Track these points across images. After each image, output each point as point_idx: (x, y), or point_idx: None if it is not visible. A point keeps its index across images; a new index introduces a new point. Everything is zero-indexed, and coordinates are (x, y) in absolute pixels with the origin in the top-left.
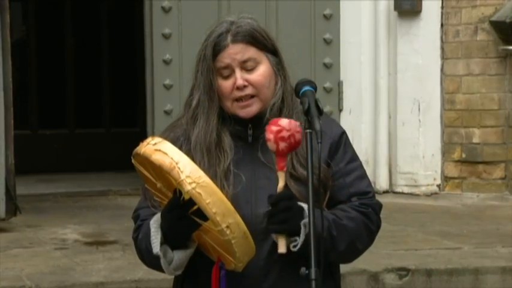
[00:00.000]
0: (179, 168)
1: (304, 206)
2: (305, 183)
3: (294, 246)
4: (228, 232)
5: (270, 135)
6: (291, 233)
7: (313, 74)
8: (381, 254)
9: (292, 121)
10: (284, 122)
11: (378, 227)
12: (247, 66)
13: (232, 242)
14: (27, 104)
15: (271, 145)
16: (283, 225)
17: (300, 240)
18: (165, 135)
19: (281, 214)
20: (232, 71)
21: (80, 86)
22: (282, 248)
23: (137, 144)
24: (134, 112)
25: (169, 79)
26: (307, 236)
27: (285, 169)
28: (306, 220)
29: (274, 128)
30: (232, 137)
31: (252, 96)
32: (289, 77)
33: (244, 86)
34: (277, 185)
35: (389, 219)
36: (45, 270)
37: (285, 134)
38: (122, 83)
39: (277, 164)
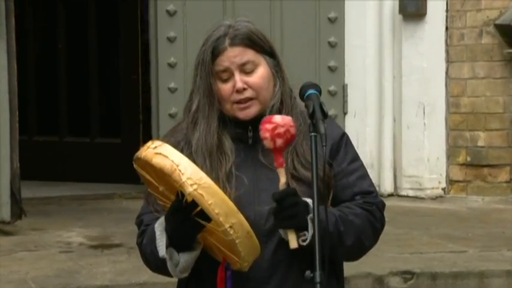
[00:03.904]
0: (180, 170)
1: (309, 201)
2: (307, 184)
3: (303, 241)
4: (231, 232)
5: (265, 134)
6: (299, 228)
7: (317, 77)
8: (386, 257)
9: (285, 116)
10: (277, 118)
11: (383, 225)
12: (246, 69)
13: (237, 242)
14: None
15: (267, 143)
16: (292, 221)
17: (308, 234)
18: (166, 140)
19: (289, 210)
20: (231, 74)
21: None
22: (293, 243)
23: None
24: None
25: (174, 82)
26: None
27: (284, 165)
28: (311, 215)
29: (269, 126)
30: (233, 139)
31: (251, 99)
32: (287, 78)
33: (244, 89)
34: (278, 186)
35: (394, 223)
36: (50, 273)
37: (280, 130)
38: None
39: (276, 161)
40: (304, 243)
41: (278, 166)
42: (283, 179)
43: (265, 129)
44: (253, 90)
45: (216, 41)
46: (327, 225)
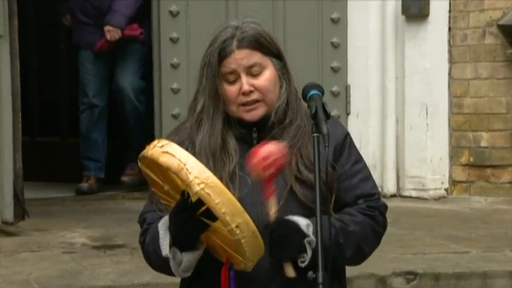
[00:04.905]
0: (187, 169)
1: (302, 223)
2: (310, 187)
3: (302, 262)
4: (237, 232)
5: (254, 170)
6: (297, 253)
7: (320, 77)
8: (389, 258)
9: (272, 145)
10: (265, 151)
11: (385, 228)
12: (252, 71)
13: (242, 241)
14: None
15: (257, 177)
16: (285, 254)
17: (307, 257)
18: (170, 139)
19: (280, 244)
20: (238, 77)
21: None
22: (290, 273)
23: None
24: None
25: (177, 83)
26: (314, 250)
27: (273, 194)
28: (308, 239)
29: (255, 161)
30: (237, 140)
31: (258, 101)
32: (293, 80)
33: (250, 92)
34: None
35: (397, 223)
36: (53, 274)
37: (269, 161)
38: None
39: (266, 191)
40: (303, 265)
41: (268, 196)
42: (273, 209)
43: (254, 165)
44: (260, 92)
45: (223, 43)
46: (329, 241)
